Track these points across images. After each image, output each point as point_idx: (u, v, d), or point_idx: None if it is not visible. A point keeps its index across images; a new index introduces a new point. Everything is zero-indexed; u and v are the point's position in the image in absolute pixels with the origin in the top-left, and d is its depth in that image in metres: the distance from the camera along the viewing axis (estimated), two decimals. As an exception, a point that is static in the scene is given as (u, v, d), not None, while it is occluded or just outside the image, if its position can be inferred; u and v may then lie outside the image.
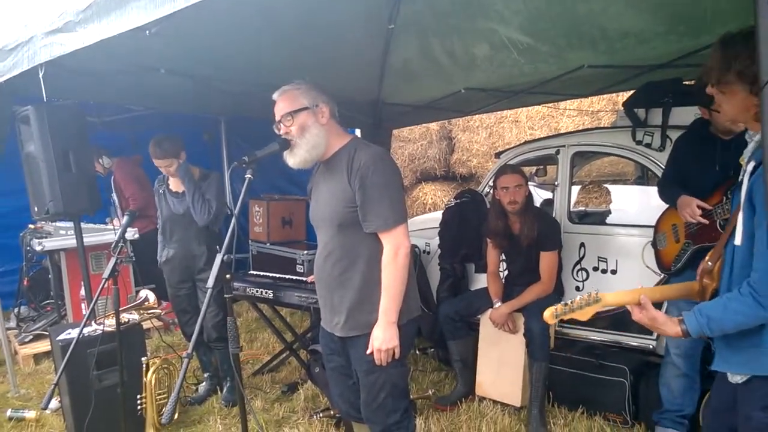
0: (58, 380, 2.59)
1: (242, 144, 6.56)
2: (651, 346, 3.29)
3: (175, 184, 3.55)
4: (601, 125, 6.20)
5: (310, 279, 3.53)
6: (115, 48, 2.06)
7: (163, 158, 3.39)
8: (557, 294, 3.42)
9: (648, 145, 3.34)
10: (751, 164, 1.60)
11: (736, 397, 1.73)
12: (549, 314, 1.79)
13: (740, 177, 1.67)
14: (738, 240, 1.63)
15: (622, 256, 3.41)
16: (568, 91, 3.95)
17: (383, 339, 2.05)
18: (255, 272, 4.35)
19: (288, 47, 2.83)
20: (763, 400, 1.64)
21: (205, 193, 3.41)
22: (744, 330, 1.62)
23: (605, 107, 6.47)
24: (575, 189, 5.47)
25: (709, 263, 1.84)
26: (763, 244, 1.53)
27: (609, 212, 4.58)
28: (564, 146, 3.74)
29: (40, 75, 2.36)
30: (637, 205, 4.62)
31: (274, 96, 2.16)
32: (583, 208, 5.45)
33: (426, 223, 4.70)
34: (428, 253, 4.51)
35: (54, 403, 3.40)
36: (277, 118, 2.13)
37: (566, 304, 1.78)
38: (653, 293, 1.82)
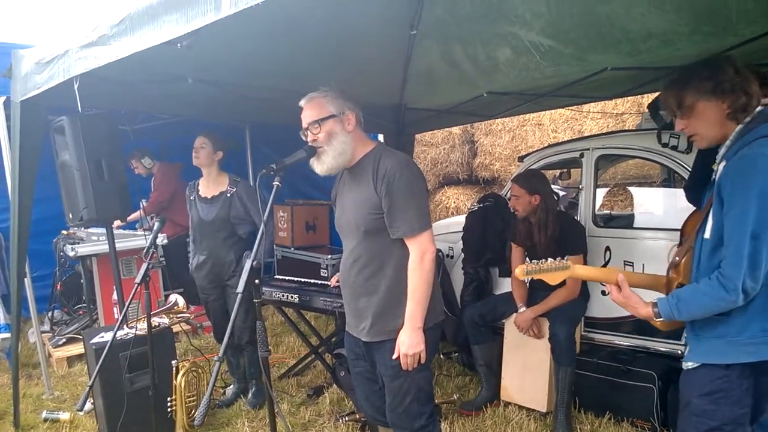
0: (92, 382, 2.66)
1: (266, 150, 6.64)
2: (679, 352, 3.24)
3: (204, 190, 3.62)
4: (626, 127, 6.14)
5: (333, 283, 3.57)
6: (146, 59, 2.11)
7: (205, 136, 3.55)
8: (583, 298, 3.39)
9: (674, 148, 3.31)
10: (723, 164, 1.74)
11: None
12: (520, 271, 1.91)
13: (712, 177, 1.80)
14: (707, 233, 1.76)
15: (648, 259, 3.37)
16: (591, 93, 3.92)
17: (409, 344, 2.07)
18: (280, 277, 4.41)
19: (311, 54, 2.87)
20: (704, 388, 1.78)
21: (252, 213, 3.51)
22: (712, 322, 1.74)
23: (629, 109, 6.41)
24: (600, 192, 5.42)
25: (677, 258, 1.96)
26: (730, 232, 1.65)
27: (634, 215, 4.53)
28: (588, 149, 3.72)
29: (75, 87, 2.42)
30: (663, 208, 4.57)
31: (301, 103, 2.19)
32: (608, 212, 5.39)
33: (449, 228, 4.70)
34: (452, 257, 4.51)
35: (87, 405, 3.48)
36: (304, 125, 2.16)
37: (537, 263, 1.89)
38: (615, 275, 1.91)
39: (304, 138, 2.18)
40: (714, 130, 1.78)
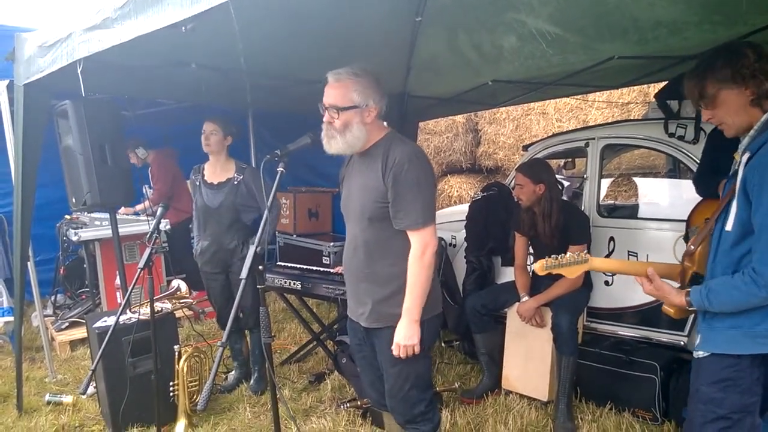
0: (95, 366, 2.67)
1: (268, 137, 6.62)
2: (682, 343, 3.25)
3: (210, 175, 3.60)
4: (632, 117, 6.11)
5: (337, 269, 3.57)
6: (150, 43, 2.10)
7: (213, 122, 3.52)
8: (586, 288, 3.39)
9: (681, 138, 3.29)
10: (746, 155, 1.70)
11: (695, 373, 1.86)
12: (539, 266, 1.94)
13: (734, 168, 1.77)
14: (729, 226, 1.73)
15: (653, 250, 3.36)
16: (597, 82, 3.89)
17: (404, 335, 2.08)
18: (282, 263, 4.41)
19: (315, 40, 2.84)
20: (713, 376, 1.77)
21: (258, 200, 3.49)
22: (727, 314, 1.73)
23: (636, 99, 6.37)
24: (605, 182, 5.40)
25: (692, 247, 1.95)
26: (761, 228, 1.61)
27: (639, 206, 4.52)
28: (594, 139, 3.70)
29: (79, 70, 2.41)
30: (668, 198, 4.55)
31: (330, 77, 2.11)
32: (612, 202, 5.38)
33: (452, 216, 4.69)
34: (454, 246, 4.51)
35: (90, 389, 3.50)
36: (325, 103, 2.10)
37: (557, 258, 1.92)
38: (634, 266, 1.92)
39: (321, 112, 2.12)
40: (740, 117, 1.73)
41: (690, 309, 1.82)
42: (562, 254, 1.92)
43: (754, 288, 1.63)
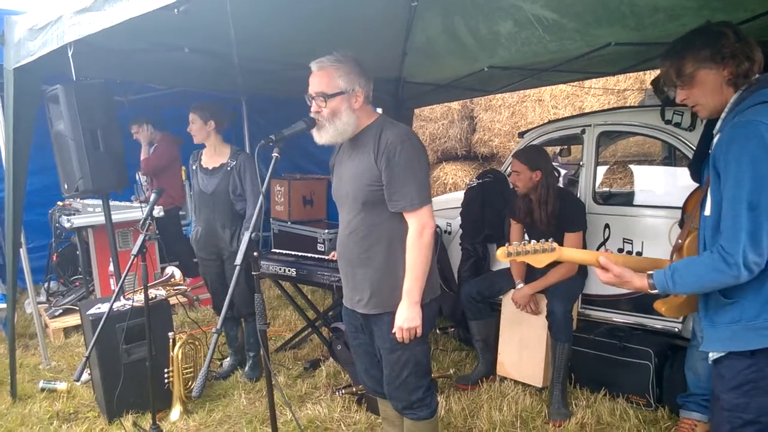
0: (89, 353, 2.66)
1: (262, 122, 6.58)
2: (677, 329, 3.27)
3: (206, 160, 3.58)
4: (628, 104, 6.10)
5: (331, 256, 3.56)
6: (142, 26, 2.07)
7: (192, 111, 3.48)
8: (581, 276, 3.39)
9: (677, 125, 3.28)
10: (717, 137, 1.65)
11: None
12: (501, 252, 1.80)
13: (710, 150, 1.69)
14: (707, 211, 1.66)
15: (648, 237, 3.36)
16: (594, 69, 3.88)
17: (406, 318, 2.07)
18: (277, 250, 4.40)
19: (310, 25, 2.81)
20: (731, 382, 1.66)
21: (245, 188, 3.46)
22: (725, 307, 1.64)
23: (632, 86, 6.35)
24: (601, 169, 5.39)
25: (679, 240, 1.87)
26: (726, 204, 1.56)
27: (634, 193, 4.52)
28: (590, 126, 3.68)
29: (69, 54, 2.38)
30: (664, 185, 4.55)
31: (313, 66, 2.10)
32: (608, 189, 5.38)
33: (448, 203, 4.68)
34: (450, 233, 4.50)
35: (84, 376, 3.49)
36: (311, 91, 2.09)
37: (521, 245, 1.79)
38: (616, 259, 1.79)
39: (308, 103, 2.11)
40: (714, 98, 1.69)
41: (666, 296, 1.73)
42: (526, 241, 1.82)
43: (722, 266, 1.54)
